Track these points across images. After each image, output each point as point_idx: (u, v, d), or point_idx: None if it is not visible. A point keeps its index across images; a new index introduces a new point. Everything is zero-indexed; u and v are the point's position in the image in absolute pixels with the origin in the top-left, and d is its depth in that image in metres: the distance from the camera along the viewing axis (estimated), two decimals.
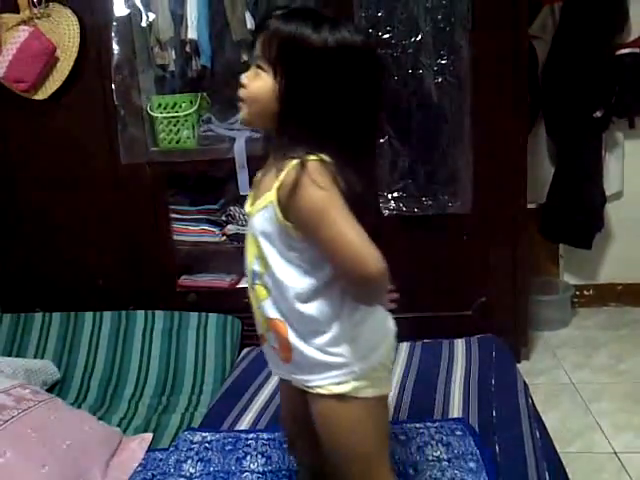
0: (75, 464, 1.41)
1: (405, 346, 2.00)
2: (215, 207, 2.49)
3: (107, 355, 2.12)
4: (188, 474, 1.42)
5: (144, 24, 2.25)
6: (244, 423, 1.62)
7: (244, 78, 1.00)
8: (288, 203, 0.93)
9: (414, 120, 2.30)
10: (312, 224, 0.93)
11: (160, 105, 2.33)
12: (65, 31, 2.29)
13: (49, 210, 2.50)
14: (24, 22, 2.30)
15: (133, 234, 2.48)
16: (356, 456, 1.06)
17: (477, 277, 2.46)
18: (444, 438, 1.45)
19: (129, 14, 2.26)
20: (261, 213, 0.99)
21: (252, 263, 1.04)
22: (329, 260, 0.97)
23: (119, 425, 1.77)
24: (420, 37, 2.22)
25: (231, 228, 2.46)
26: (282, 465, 1.42)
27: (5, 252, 2.57)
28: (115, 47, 2.26)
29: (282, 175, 0.94)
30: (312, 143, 0.94)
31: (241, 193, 2.27)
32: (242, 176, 2.23)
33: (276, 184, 0.95)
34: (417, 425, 1.51)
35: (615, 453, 1.98)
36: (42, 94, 2.35)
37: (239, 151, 2.23)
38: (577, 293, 3.08)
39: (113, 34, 2.25)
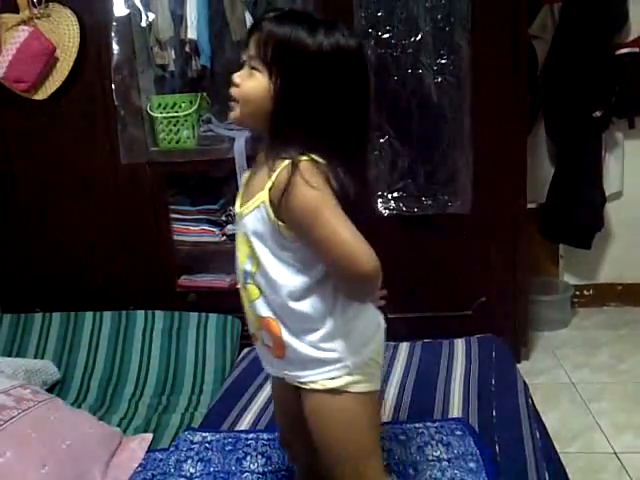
0: (75, 464, 1.41)
1: (405, 346, 2.00)
2: (215, 207, 2.49)
3: (107, 355, 2.12)
4: (188, 474, 1.41)
5: (144, 24, 2.25)
6: (244, 423, 1.62)
7: (237, 77, 1.01)
8: (281, 203, 0.94)
9: (414, 120, 2.30)
10: (306, 224, 0.94)
11: (160, 105, 2.33)
12: (65, 31, 2.30)
13: (49, 210, 2.50)
14: (24, 22, 2.30)
15: (133, 234, 2.48)
16: (348, 452, 1.07)
17: (477, 277, 2.46)
18: (444, 438, 1.45)
19: (129, 14, 2.26)
20: (253, 213, 1.00)
21: (244, 263, 1.05)
22: (323, 259, 0.98)
23: (119, 425, 1.77)
24: (420, 37, 2.22)
25: (231, 228, 2.45)
26: (282, 465, 1.42)
27: (5, 252, 2.57)
28: (115, 47, 2.26)
29: (274, 175, 0.95)
30: (305, 143, 0.95)
31: None
32: (242, 176, 2.23)
33: (268, 184, 0.96)
34: (417, 425, 1.51)
35: (615, 453, 1.98)
36: (42, 94, 2.36)
37: (239, 151, 2.23)
38: (577, 293, 3.08)
39: (113, 34, 2.25)
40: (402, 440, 1.45)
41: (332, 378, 1.03)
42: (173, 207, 2.50)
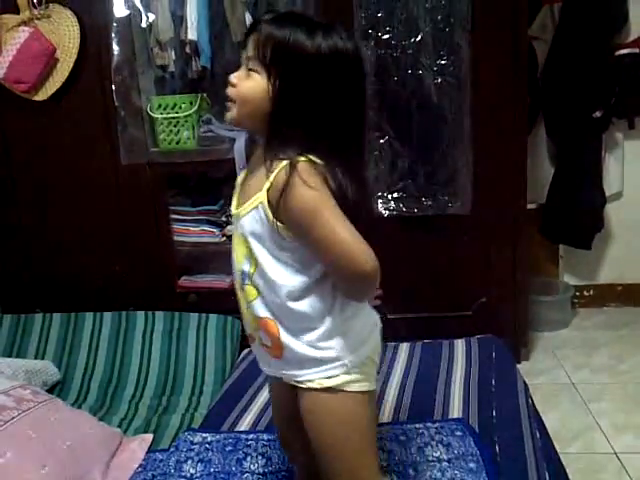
0: (75, 465, 1.41)
1: (405, 346, 2.00)
2: (215, 208, 2.49)
3: (107, 356, 2.12)
4: (188, 475, 1.42)
5: (144, 25, 2.25)
6: (244, 424, 1.62)
7: (233, 78, 1.01)
8: (279, 204, 0.94)
9: (414, 120, 2.30)
10: (304, 224, 0.95)
11: (160, 106, 2.33)
12: (65, 32, 2.30)
13: (49, 210, 2.50)
14: (24, 23, 2.30)
15: (133, 235, 2.48)
16: (343, 451, 1.07)
17: (477, 277, 2.46)
18: (444, 438, 1.45)
19: (129, 15, 2.26)
20: (251, 214, 1.00)
21: (241, 263, 1.05)
22: (322, 259, 0.99)
23: (119, 426, 1.77)
24: (420, 37, 2.22)
25: (231, 229, 2.46)
26: (282, 466, 1.42)
27: (5, 252, 2.57)
28: (115, 48, 2.26)
29: (272, 176, 0.95)
30: (303, 144, 0.95)
31: None
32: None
33: (266, 185, 0.96)
34: (417, 425, 1.51)
35: (615, 453, 1.98)
36: (42, 95, 2.36)
37: (239, 151, 2.22)
38: (577, 293, 3.08)
39: (113, 35, 2.25)
40: (402, 440, 1.45)
41: (329, 377, 1.04)
42: (173, 208, 2.50)
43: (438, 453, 1.40)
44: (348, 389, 1.04)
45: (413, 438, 1.46)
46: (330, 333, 1.03)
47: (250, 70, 0.98)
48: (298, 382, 1.07)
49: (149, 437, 1.66)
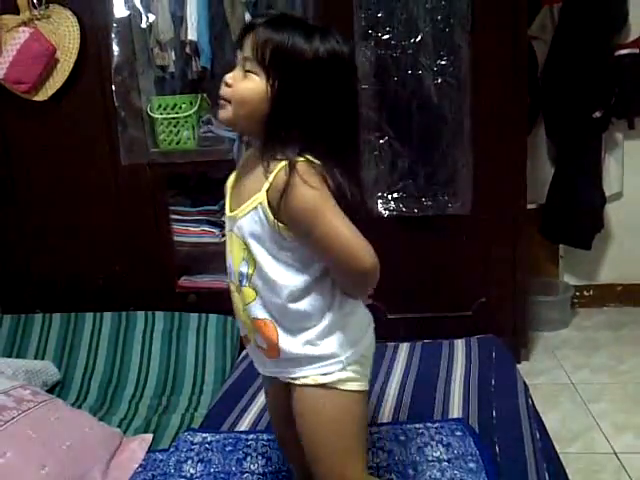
0: (75, 465, 1.41)
1: (405, 346, 2.00)
2: (215, 208, 2.49)
3: (107, 356, 2.12)
4: (188, 475, 1.42)
5: (144, 25, 2.25)
6: (244, 424, 1.62)
7: (229, 78, 1.01)
8: (280, 204, 0.95)
9: (414, 121, 2.30)
10: (306, 223, 0.95)
11: (160, 106, 2.33)
12: (65, 32, 2.30)
13: (49, 211, 2.50)
14: (24, 23, 2.30)
15: (133, 235, 2.48)
16: (333, 449, 1.07)
17: (477, 277, 2.46)
18: (444, 439, 1.45)
19: (129, 15, 2.26)
20: (249, 215, 1.00)
21: (239, 265, 1.05)
22: (323, 257, 1.00)
23: (119, 426, 1.77)
24: (420, 38, 2.23)
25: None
26: (282, 466, 1.42)
27: (5, 253, 2.57)
28: (115, 48, 2.26)
29: (271, 176, 0.96)
30: (301, 145, 0.96)
31: None
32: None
33: (265, 185, 0.97)
34: (417, 425, 1.51)
35: (615, 453, 1.98)
36: (42, 95, 2.36)
37: (235, 152, 2.23)
38: (577, 294, 3.08)
39: (113, 35, 2.25)
40: (402, 440, 1.45)
41: (324, 374, 1.05)
42: (173, 208, 2.50)
43: (438, 453, 1.40)
44: (342, 387, 1.05)
45: (413, 438, 1.46)
46: (330, 329, 1.04)
47: (248, 71, 0.98)
48: (293, 379, 1.07)
49: (149, 437, 1.66)
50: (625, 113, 2.79)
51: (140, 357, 2.10)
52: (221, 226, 2.49)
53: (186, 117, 2.32)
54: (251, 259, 1.03)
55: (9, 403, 1.48)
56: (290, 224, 0.97)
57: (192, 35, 2.21)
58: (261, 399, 1.73)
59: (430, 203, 2.36)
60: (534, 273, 2.83)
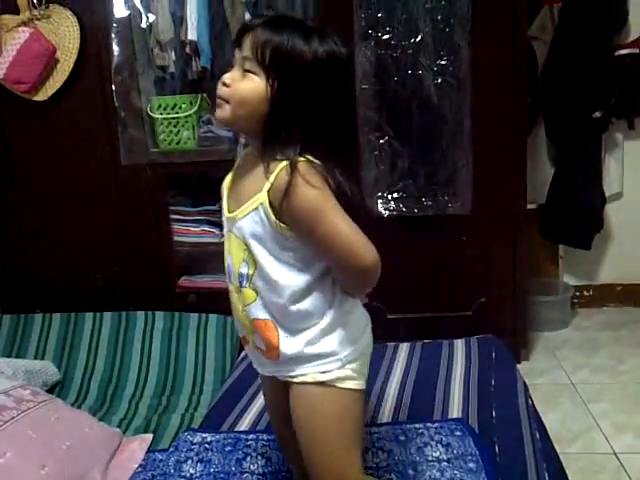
0: (75, 465, 1.41)
1: (405, 346, 2.00)
2: (215, 208, 2.48)
3: (107, 356, 2.12)
4: (188, 475, 1.41)
5: (144, 25, 2.25)
6: (244, 424, 1.62)
7: (227, 78, 1.00)
8: (282, 204, 0.95)
9: (414, 121, 2.30)
10: (308, 222, 0.96)
11: (160, 106, 2.33)
12: (65, 32, 2.30)
13: (49, 211, 2.50)
14: (24, 23, 2.30)
15: (133, 235, 2.48)
16: (329, 448, 1.07)
17: (477, 277, 2.46)
18: (444, 439, 1.45)
19: (129, 15, 2.26)
20: (250, 216, 1.00)
21: (238, 266, 1.05)
22: (324, 255, 1.01)
23: (119, 426, 1.77)
24: (420, 38, 2.23)
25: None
26: (282, 466, 1.42)
27: (5, 252, 2.57)
28: (115, 48, 2.26)
29: (272, 177, 0.96)
30: (300, 145, 0.97)
31: None
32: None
33: (266, 186, 0.97)
34: (417, 425, 1.51)
35: (615, 453, 1.98)
36: (42, 95, 2.36)
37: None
38: (577, 294, 3.08)
39: (113, 35, 2.25)
40: (402, 440, 1.45)
41: (323, 372, 1.05)
42: (173, 208, 2.50)
43: (437, 453, 1.40)
44: (341, 385, 1.05)
45: (413, 438, 1.46)
46: (330, 327, 1.05)
47: (247, 71, 0.98)
48: (292, 377, 1.07)
49: (149, 437, 1.66)
50: (625, 113, 2.79)
51: (140, 357, 2.10)
52: (221, 226, 2.48)
53: (186, 117, 2.32)
54: (251, 260, 1.03)
55: (9, 403, 1.49)
56: (292, 224, 0.97)
57: (192, 35, 2.21)
58: (261, 399, 1.72)
59: (430, 203, 2.36)
60: (534, 273, 2.83)
